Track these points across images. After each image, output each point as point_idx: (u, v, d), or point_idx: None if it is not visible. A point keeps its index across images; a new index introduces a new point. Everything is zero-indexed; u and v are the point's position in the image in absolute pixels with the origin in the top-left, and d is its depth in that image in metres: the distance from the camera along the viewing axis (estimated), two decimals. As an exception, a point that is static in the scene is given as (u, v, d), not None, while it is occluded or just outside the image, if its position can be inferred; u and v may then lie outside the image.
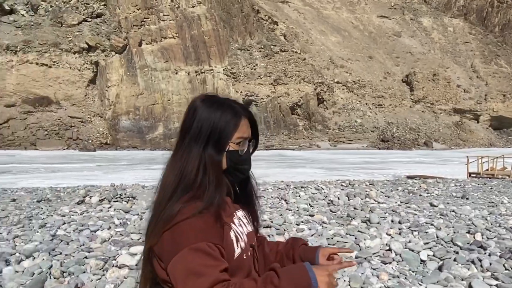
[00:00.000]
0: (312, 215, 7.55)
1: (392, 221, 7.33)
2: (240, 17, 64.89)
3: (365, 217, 7.44)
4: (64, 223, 6.64)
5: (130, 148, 48.74)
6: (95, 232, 6.05)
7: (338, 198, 9.03)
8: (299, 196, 9.50)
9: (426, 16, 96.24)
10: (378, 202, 8.98)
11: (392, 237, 6.08)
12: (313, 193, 9.84)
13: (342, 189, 10.60)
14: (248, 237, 1.38)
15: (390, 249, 5.47)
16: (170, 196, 1.25)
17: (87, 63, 54.13)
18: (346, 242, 5.83)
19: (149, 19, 56.46)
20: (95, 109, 52.97)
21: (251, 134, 1.41)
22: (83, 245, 5.37)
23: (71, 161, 36.73)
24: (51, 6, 58.33)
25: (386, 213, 7.89)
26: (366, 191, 9.79)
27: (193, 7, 59.41)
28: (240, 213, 1.42)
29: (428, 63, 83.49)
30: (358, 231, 6.58)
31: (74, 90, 53.20)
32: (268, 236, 6.13)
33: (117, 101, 51.29)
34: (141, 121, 50.86)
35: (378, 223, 7.14)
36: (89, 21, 57.88)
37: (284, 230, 6.52)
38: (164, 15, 57.15)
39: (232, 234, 1.29)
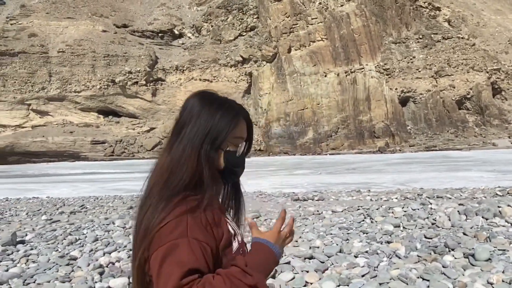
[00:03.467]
0: (389, 242, 5.46)
1: (516, 258, 4.75)
2: (394, 9, 60.14)
3: (472, 249, 5.01)
4: (96, 240, 6.14)
5: (281, 154, 49.46)
6: (109, 253, 5.35)
7: (449, 218, 6.54)
8: (392, 213, 7.25)
9: None
10: (513, 225, 6.16)
11: (490, 290, 3.77)
12: (414, 209, 7.41)
13: (461, 204, 7.75)
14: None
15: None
16: (161, 197, 1.20)
17: (242, 75, 57.40)
18: (405, 293, 3.79)
19: (297, 25, 56.78)
20: (250, 118, 55.58)
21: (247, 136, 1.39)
22: (73, 271, 4.66)
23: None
24: (211, 26, 64.04)
25: (512, 243, 5.23)
26: (500, 206, 6.91)
27: (341, 6, 57.45)
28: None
29: None
30: (442, 273, 4.36)
31: (232, 101, 56.90)
32: (303, 271, 4.50)
33: (268, 108, 52.83)
34: (291, 126, 51.19)
35: (488, 260, 4.70)
36: (243, 35, 61.43)
37: (331, 265, 4.73)
38: (312, 19, 56.71)
39: (230, 228, 1.27)
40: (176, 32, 65.31)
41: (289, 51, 55.06)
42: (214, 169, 1.27)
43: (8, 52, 53.71)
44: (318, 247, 5.30)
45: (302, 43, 55.48)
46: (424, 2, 64.30)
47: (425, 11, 63.44)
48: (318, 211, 9.83)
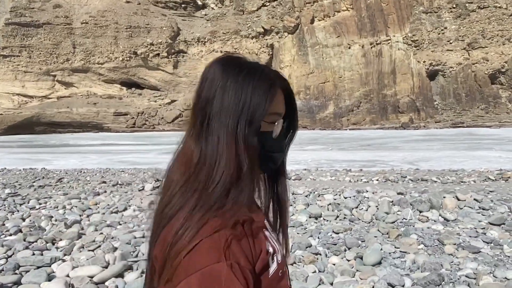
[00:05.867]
0: (287, 236, 4.84)
1: (413, 263, 4.06)
2: (427, -24, 56.47)
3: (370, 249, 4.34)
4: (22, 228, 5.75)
5: (300, 128, 48.08)
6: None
7: (377, 208, 5.82)
8: (319, 200, 6.56)
9: None
10: (447, 220, 5.38)
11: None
12: (345, 197, 6.67)
13: (400, 193, 6.92)
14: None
15: None
16: (194, 207, 0.89)
17: (263, 47, 56.10)
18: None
19: (322, -6, 54.45)
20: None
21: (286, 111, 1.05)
22: None
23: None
24: (235, -4, 62.54)
25: (421, 244, 4.51)
26: (445, 197, 6.08)
27: (370, -27, 54.46)
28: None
29: None
30: (305, 279, 3.77)
31: (253, 74, 55.98)
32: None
33: (289, 81, 51.40)
34: (312, 100, 49.85)
35: (378, 264, 4.05)
36: (267, 5, 59.66)
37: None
38: (338, -13, 54.18)
39: (269, 247, 0.95)
40: (199, 3, 64.31)
41: (312, 21, 53.07)
42: (254, 158, 0.95)
43: (34, 23, 54.65)
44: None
45: (326, 13, 53.28)
46: (462, -32, 59.96)
47: (462, -23, 59.23)
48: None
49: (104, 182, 12.80)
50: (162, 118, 54.62)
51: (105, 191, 10.54)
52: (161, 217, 0.93)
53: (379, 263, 4.03)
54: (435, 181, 11.37)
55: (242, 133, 0.92)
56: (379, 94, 49.71)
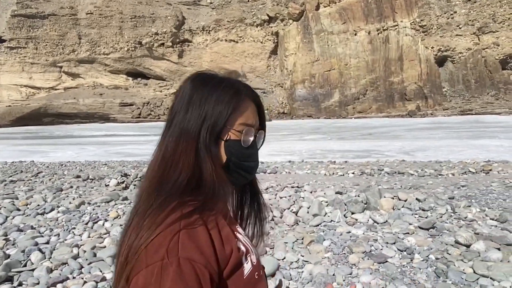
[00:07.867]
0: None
1: (309, 274, 3.76)
2: (437, -42, 54.67)
3: (278, 259, 4.06)
4: None
5: (305, 117, 47.90)
6: None
7: (307, 211, 5.48)
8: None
9: None
10: (377, 223, 5.03)
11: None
12: (281, 197, 6.32)
13: (338, 192, 6.49)
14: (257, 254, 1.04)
15: None
16: (149, 206, 0.90)
17: (268, 35, 55.36)
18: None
19: (328, -20, 53.27)
20: (276, 80, 54.04)
21: (259, 124, 1.07)
22: None
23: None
24: (240, -17, 61.62)
25: (329, 252, 4.21)
26: (385, 196, 5.70)
27: (377, -43, 52.98)
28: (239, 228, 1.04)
29: None
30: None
31: (258, 63, 55.40)
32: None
33: (294, 70, 50.84)
34: (317, 88, 49.11)
35: (269, 276, 3.80)
36: (272, -8, 58.72)
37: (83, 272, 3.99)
38: (344, -28, 52.90)
39: (240, 245, 0.94)
40: (204, -9, 63.60)
41: (317, 8, 52.04)
42: (218, 165, 0.98)
43: (39, 15, 54.86)
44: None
45: (331, -1, 52.17)
46: (474, -51, 57.86)
47: (473, -41, 57.20)
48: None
49: (79, 176, 12.69)
50: (167, 108, 54.48)
51: (71, 187, 10.43)
52: (125, 227, 0.92)
53: (273, 274, 3.74)
54: (412, 174, 10.96)
55: (204, 141, 0.95)
56: (386, 81, 48.71)
